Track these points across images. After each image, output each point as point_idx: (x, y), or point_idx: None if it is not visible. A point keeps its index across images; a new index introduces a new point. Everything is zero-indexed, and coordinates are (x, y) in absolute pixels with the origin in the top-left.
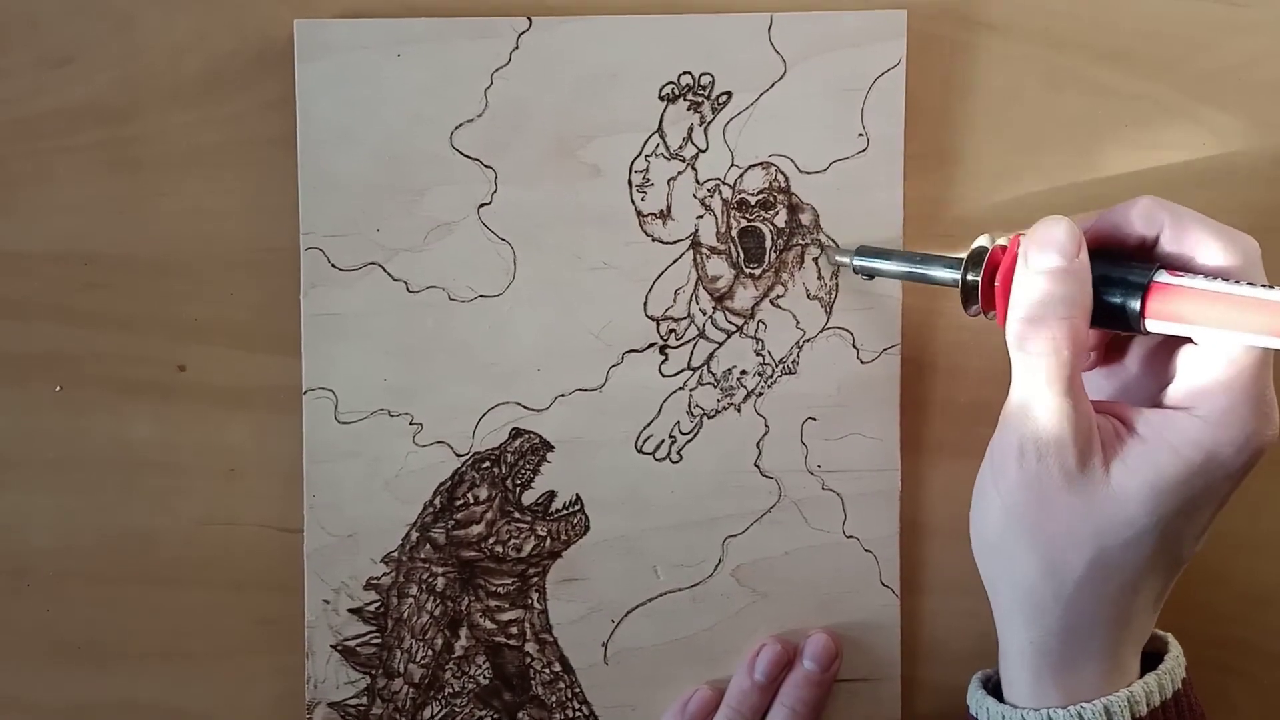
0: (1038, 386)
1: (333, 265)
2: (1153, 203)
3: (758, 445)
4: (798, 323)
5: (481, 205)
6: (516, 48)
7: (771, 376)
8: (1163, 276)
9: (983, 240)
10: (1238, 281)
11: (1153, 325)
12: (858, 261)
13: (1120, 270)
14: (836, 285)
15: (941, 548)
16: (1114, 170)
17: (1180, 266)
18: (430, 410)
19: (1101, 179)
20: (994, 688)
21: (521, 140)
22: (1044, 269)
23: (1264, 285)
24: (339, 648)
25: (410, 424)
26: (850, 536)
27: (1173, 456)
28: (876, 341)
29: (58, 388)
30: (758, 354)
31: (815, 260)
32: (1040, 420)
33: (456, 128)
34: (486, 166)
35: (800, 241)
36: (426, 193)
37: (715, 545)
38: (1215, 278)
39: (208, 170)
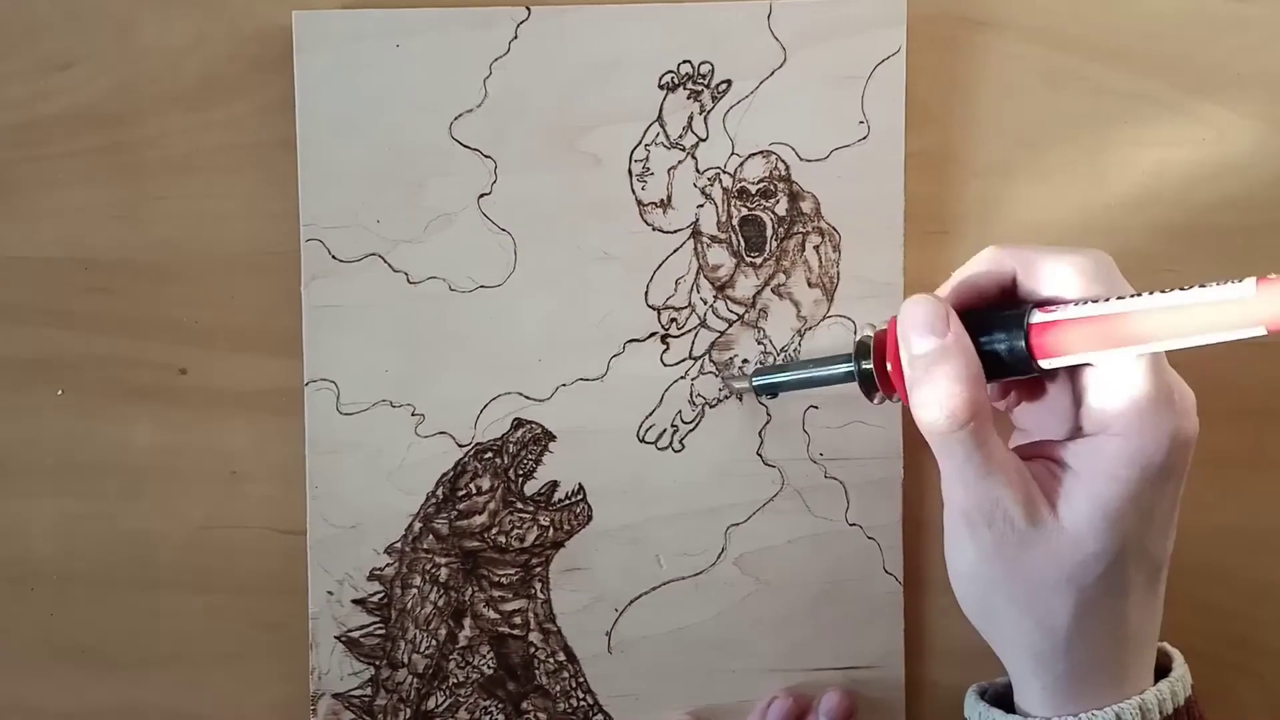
0: (959, 464)
1: (333, 257)
2: (995, 252)
3: (760, 434)
4: (799, 311)
5: (482, 195)
6: (515, 37)
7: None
8: (1036, 317)
9: (866, 331)
10: (1106, 299)
11: (1045, 363)
12: (757, 382)
13: (997, 321)
14: (838, 273)
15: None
16: (1114, 168)
17: (1049, 301)
18: (432, 401)
19: (1101, 177)
20: (993, 698)
21: (521, 130)
22: (923, 351)
23: (1131, 294)
24: (343, 639)
25: (412, 415)
26: (853, 524)
27: (1110, 483)
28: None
29: (59, 392)
30: (759, 342)
31: (816, 248)
32: (974, 494)
33: (456, 118)
34: (486, 157)
35: (801, 230)
36: (426, 183)
37: (718, 534)
38: (1084, 301)
39: (208, 173)
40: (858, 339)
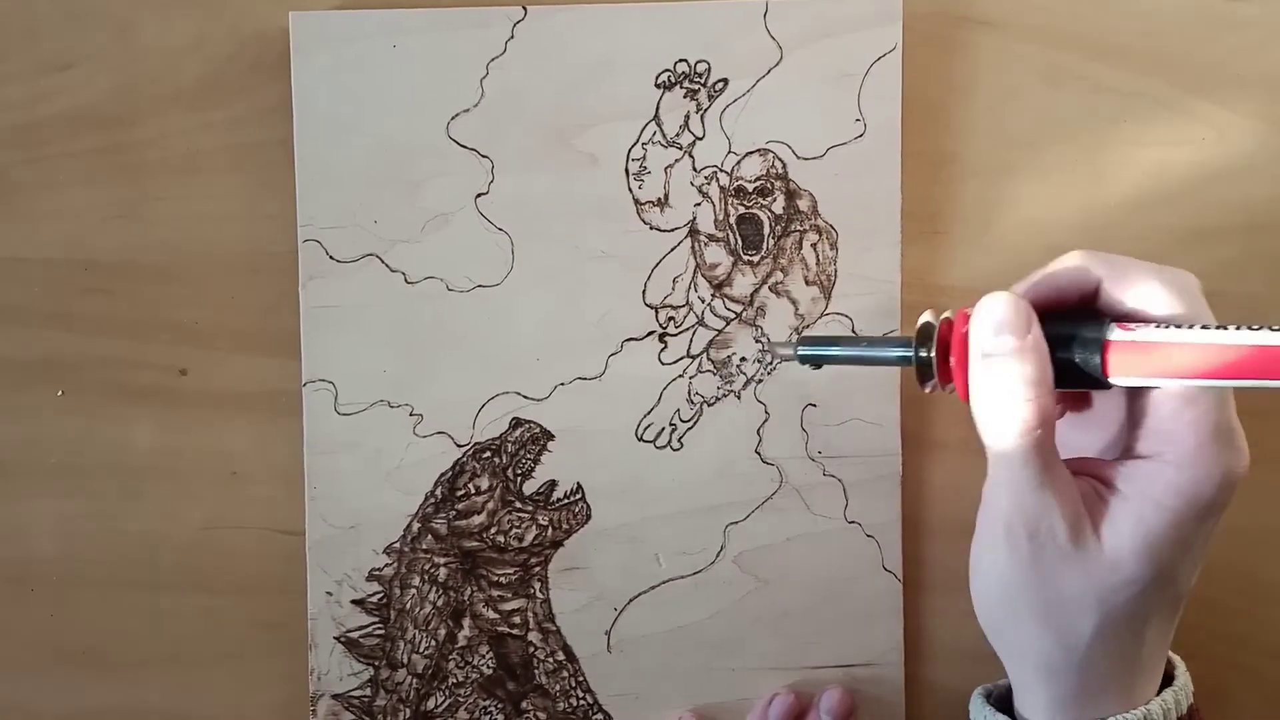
0: (1015, 471)
1: (331, 257)
2: (1084, 256)
3: (758, 432)
4: (797, 309)
5: (479, 195)
6: (512, 37)
7: (771, 363)
8: (1115, 334)
9: (927, 316)
10: (1190, 326)
11: (1116, 381)
12: (802, 351)
13: (1073, 330)
14: (836, 271)
15: (943, 545)
16: (1113, 167)
17: (1127, 316)
18: (430, 401)
19: (1100, 176)
20: (999, 701)
21: (518, 130)
22: (1001, 352)
23: (1216, 326)
24: (342, 639)
25: (410, 415)
26: (852, 522)
27: (1156, 509)
28: (876, 326)
29: (59, 393)
30: (757, 340)
31: (814, 246)
32: (1024, 504)
33: (453, 118)
34: (483, 156)
35: (798, 228)
36: (424, 183)
37: (717, 532)
38: (1166, 325)
39: (207, 174)
40: (920, 323)
